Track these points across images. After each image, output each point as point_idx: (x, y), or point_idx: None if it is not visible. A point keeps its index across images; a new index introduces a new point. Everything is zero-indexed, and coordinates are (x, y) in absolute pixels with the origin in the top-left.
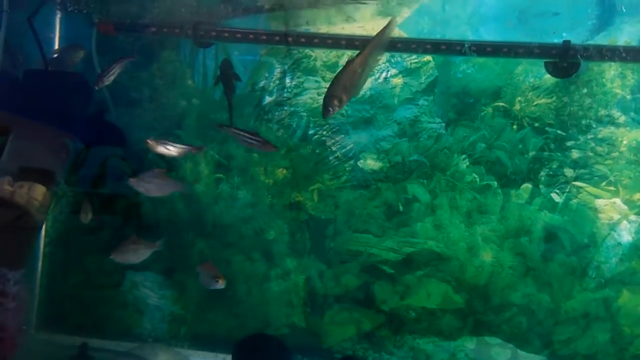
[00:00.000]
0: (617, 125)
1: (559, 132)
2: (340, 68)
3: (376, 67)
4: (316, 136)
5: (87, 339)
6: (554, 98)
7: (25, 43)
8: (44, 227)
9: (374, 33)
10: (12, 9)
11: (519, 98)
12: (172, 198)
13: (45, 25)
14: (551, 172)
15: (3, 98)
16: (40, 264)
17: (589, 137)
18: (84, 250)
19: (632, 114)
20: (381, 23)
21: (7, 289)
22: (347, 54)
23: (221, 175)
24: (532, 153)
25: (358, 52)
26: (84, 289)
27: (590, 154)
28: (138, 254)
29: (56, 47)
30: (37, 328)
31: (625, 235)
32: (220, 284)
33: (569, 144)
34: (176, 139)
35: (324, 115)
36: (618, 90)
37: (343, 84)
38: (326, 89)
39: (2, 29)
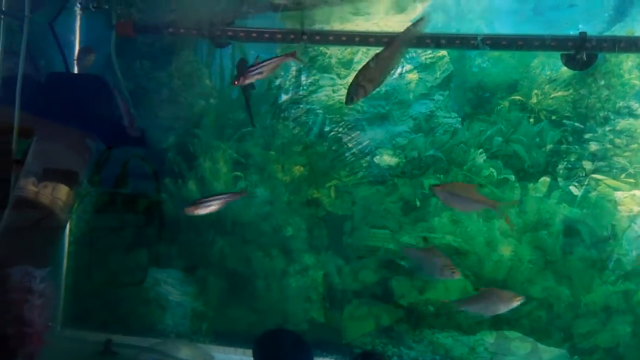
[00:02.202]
0: (636, 117)
1: (576, 124)
2: (368, 59)
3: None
4: (332, 133)
5: (111, 335)
6: (571, 90)
7: (47, 47)
8: (68, 226)
9: (388, 29)
10: (33, 13)
11: (536, 91)
12: (193, 197)
13: (65, 29)
14: (569, 165)
15: (26, 101)
16: (65, 262)
17: (607, 129)
18: (107, 248)
19: None
20: (395, 19)
21: (33, 286)
22: (361, 51)
23: (239, 173)
24: (549, 146)
25: (386, 45)
26: (108, 287)
27: (609, 146)
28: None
29: (76, 50)
30: (63, 325)
31: None
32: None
33: (587, 136)
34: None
35: (347, 103)
36: (636, 82)
37: (369, 75)
38: (352, 78)
39: (24, 33)
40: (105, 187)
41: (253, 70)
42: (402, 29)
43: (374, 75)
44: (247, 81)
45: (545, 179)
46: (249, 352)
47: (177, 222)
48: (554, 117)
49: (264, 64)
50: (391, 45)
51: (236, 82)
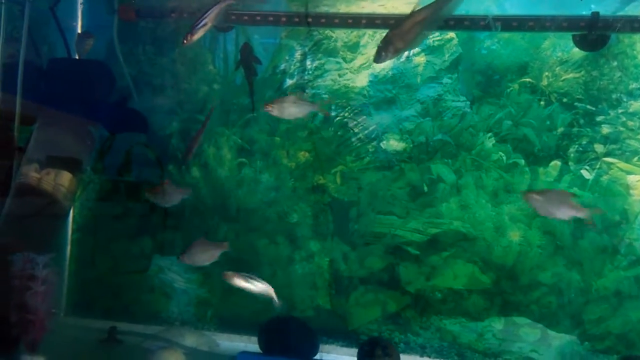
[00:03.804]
0: None
1: (588, 107)
2: (405, 16)
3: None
4: (338, 118)
5: (115, 323)
6: (582, 72)
7: (49, 32)
8: (71, 214)
9: (395, 11)
10: None
11: (547, 73)
12: (197, 184)
13: (67, 14)
14: (581, 149)
15: (28, 87)
16: (68, 250)
17: (619, 111)
18: (111, 236)
19: None
20: (402, 0)
21: (36, 272)
22: (367, 34)
23: (244, 159)
24: (560, 129)
25: (426, 5)
26: (112, 274)
27: (621, 128)
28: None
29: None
30: (67, 313)
31: None
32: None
33: (598, 119)
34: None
35: (376, 60)
36: None
37: (403, 33)
38: (385, 34)
39: (25, 18)
40: (109, 175)
41: (197, 25)
42: (409, 11)
43: (407, 34)
44: (195, 37)
45: (556, 163)
46: (254, 339)
47: (181, 209)
48: (565, 100)
49: (204, 15)
50: (429, 7)
51: (185, 42)
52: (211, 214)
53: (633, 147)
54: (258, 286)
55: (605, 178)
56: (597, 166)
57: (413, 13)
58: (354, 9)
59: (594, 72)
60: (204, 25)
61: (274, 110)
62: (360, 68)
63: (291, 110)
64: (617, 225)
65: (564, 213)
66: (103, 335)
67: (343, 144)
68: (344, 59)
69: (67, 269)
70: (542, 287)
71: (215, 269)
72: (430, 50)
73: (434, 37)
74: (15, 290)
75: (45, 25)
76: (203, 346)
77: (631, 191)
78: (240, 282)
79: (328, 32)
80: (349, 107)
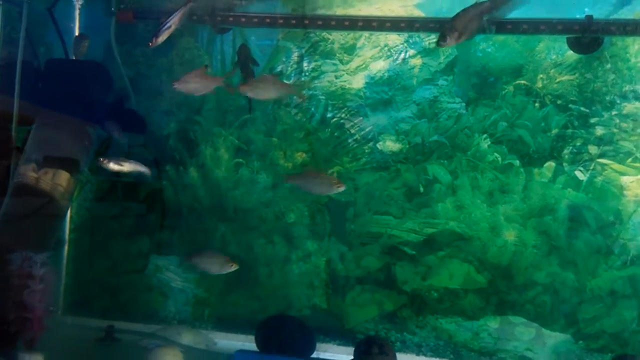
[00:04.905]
0: None
1: (582, 109)
2: (469, 5)
3: (394, 48)
4: (335, 119)
5: (113, 322)
6: (576, 74)
7: (47, 33)
8: (69, 214)
9: (391, 13)
10: None
11: (541, 75)
12: (194, 184)
13: (65, 16)
14: (575, 150)
15: (26, 88)
16: (66, 249)
17: (613, 113)
18: (108, 236)
19: None
20: (398, 3)
21: (34, 271)
22: (364, 36)
23: (241, 160)
24: (555, 131)
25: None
26: (110, 274)
27: (615, 130)
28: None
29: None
30: (65, 312)
31: None
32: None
33: (592, 120)
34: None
35: (438, 44)
36: None
37: (467, 21)
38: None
39: (23, 20)
40: (106, 175)
41: (162, 28)
42: (405, 14)
43: (471, 22)
44: (160, 39)
45: (551, 164)
46: (251, 338)
47: (178, 209)
48: (559, 102)
49: (169, 18)
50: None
51: (151, 44)
52: (209, 214)
53: (626, 148)
54: (127, 166)
55: (599, 179)
56: (591, 167)
57: (478, 3)
58: (351, 11)
59: (588, 74)
60: (169, 28)
61: (251, 92)
62: (357, 70)
63: (269, 92)
64: (611, 226)
65: None
66: (100, 333)
67: (340, 144)
68: (340, 60)
69: (65, 268)
70: (537, 286)
71: None
72: (426, 53)
73: (430, 40)
74: (13, 289)
75: (43, 26)
76: (200, 345)
77: (625, 192)
78: (112, 166)
79: (325, 34)
80: (346, 109)
